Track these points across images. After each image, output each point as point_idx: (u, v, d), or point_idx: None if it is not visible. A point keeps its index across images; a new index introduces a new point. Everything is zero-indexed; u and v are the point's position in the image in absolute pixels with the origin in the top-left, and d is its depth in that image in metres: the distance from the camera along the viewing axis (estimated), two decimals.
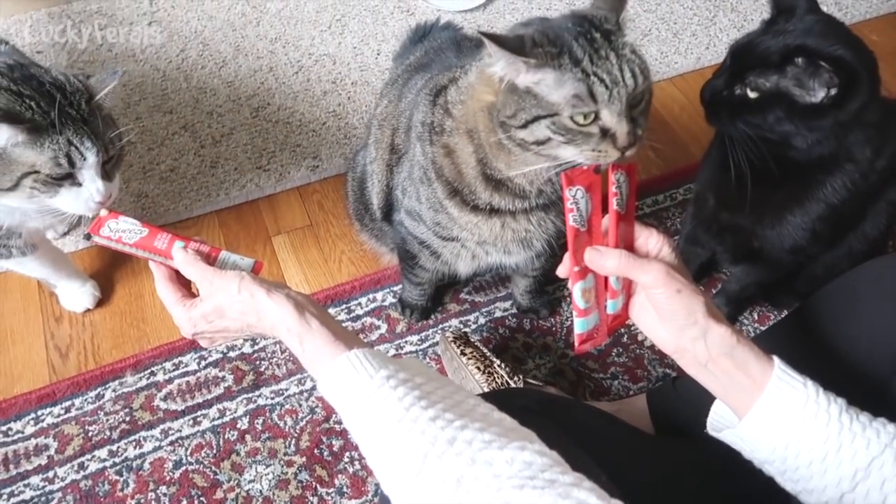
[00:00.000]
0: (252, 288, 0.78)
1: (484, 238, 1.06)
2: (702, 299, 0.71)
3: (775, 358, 0.70)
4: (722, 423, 0.77)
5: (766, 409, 0.68)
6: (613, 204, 0.74)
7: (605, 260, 0.73)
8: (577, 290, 0.75)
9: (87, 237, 0.89)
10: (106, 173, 1.01)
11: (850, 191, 1.03)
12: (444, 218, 1.05)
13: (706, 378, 0.73)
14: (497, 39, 0.81)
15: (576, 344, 0.77)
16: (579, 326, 0.76)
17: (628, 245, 0.76)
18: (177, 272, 0.85)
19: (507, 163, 0.94)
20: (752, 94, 1.00)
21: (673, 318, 0.71)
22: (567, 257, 0.74)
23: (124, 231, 0.86)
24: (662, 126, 1.76)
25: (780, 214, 1.09)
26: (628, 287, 0.77)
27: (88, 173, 0.98)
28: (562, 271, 0.76)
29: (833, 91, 0.94)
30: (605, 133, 0.81)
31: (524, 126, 0.85)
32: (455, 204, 1.03)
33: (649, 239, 0.76)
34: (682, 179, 1.63)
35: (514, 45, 0.81)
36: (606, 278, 0.76)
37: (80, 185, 0.99)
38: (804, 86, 0.96)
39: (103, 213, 0.89)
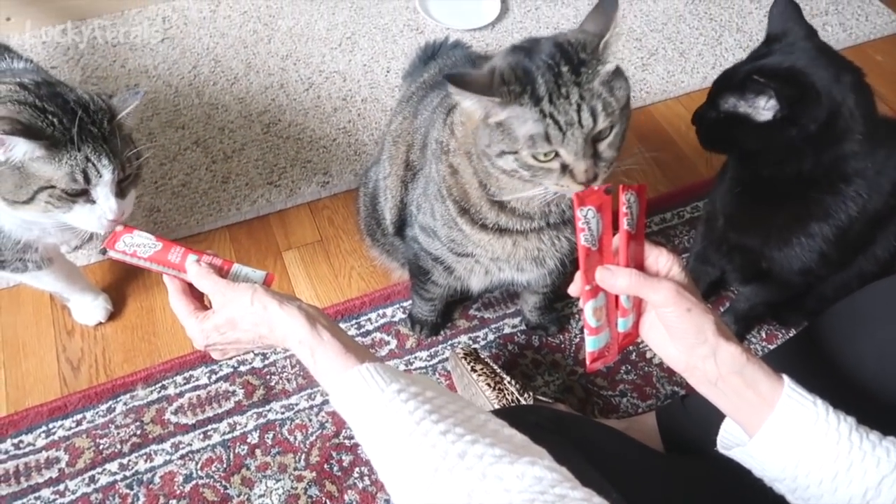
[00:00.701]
0: (264, 299, 0.79)
1: (497, 255, 1.07)
2: (711, 318, 0.72)
3: (785, 376, 0.71)
4: (732, 441, 0.77)
5: (775, 427, 0.69)
6: (624, 223, 0.75)
7: (616, 279, 0.74)
8: (588, 308, 0.76)
9: (103, 252, 0.90)
10: (121, 191, 1.02)
11: (851, 210, 1.04)
12: (458, 235, 1.06)
13: (716, 396, 0.73)
14: (461, 82, 0.83)
15: (587, 362, 0.77)
16: (590, 345, 0.77)
17: (638, 264, 0.77)
18: (190, 285, 0.86)
19: (498, 187, 0.96)
20: (720, 116, 1.07)
21: (683, 337, 0.72)
22: (578, 276, 0.75)
23: (139, 245, 0.88)
24: (669, 144, 1.78)
25: (785, 236, 1.11)
26: (639, 306, 0.78)
27: (103, 191, 0.99)
28: (573, 290, 0.77)
29: (778, 106, 0.98)
30: (565, 168, 0.85)
31: (499, 156, 0.88)
32: (466, 222, 1.04)
33: (659, 258, 0.77)
34: (690, 197, 1.64)
35: (479, 85, 0.83)
36: (617, 297, 0.77)
37: (93, 202, 0.99)
38: (755, 105, 1.01)
39: (118, 227, 0.91)
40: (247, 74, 1.87)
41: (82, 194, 0.98)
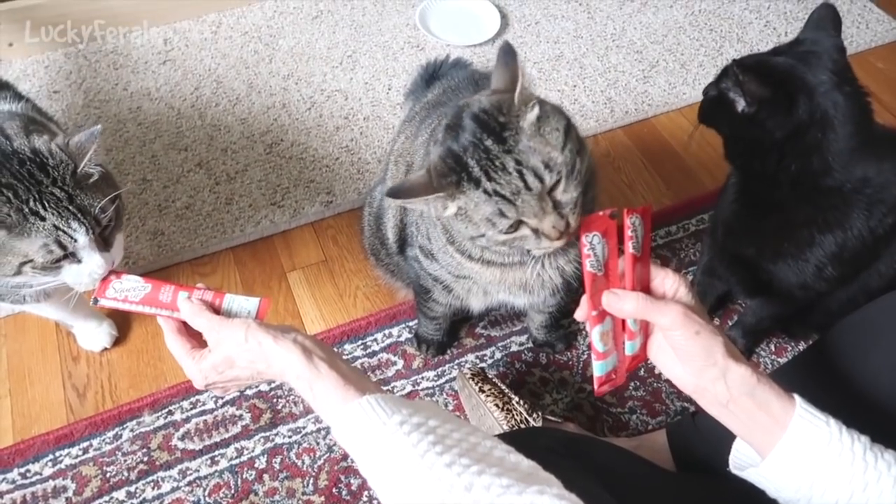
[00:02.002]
0: (258, 336, 0.78)
1: (488, 281, 1.07)
2: (721, 339, 0.71)
3: (796, 396, 0.70)
4: (745, 462, 0.76)
5: (788, 448, 0.68)
6: (629, 247, 0.74)
7: (623, 303, 0.73)
8: (595, 333, 0.75)
9: (95, 301, 0.89)
10: (104, 241, 0.96)
11: (833, 224, 1.04)
12: (452, 260, 1.07)
13: (727, 417, 0.73)
14: (403, 192, 0.84)
15: (595, 386, 0.77)
16: (598, 369, 0.76)
17: (645, 286, 0.76)
18: (185, 323, 0.86)
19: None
20: (715, 93, 1.11)
21: (692, 359, 0.72)
22: (584, 301, 0.75)
23: (129, 290, 0.87)
24: (672, 156, 1.77)
25: (777, 245, 1.11)
26: (646, 328, 0.78)
27: (84, 251, 0.93)
28: (580, 315, 0.76)
29: (748, 100, 1.02)
30: (537, 231, 0.84)
31: (472, 240, 0.89)
32: (455, 251, 1.04)
33: (665, 280, 0.76)
34: (694, 210, 1.63)
35: (422, 188, 0.83)
36: (624, 320, 0.76)
37: (80, 261, 0.94)
38: (739, 93, 1.04)
39: (111, 276, 0.90)
40: (249, 95, 1.88)
41: (66, 257, 0.93)
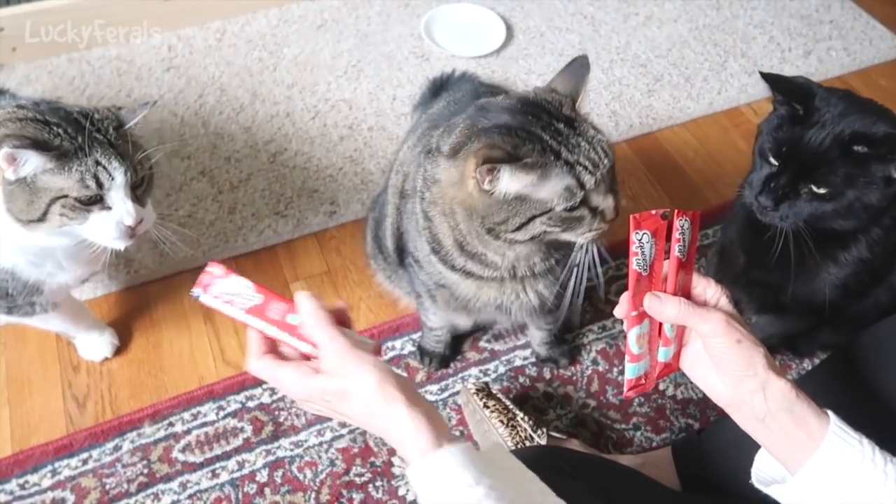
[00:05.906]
0: (392, 395, 0.68)
1: (464, 293, 1.09)
2: (762, 351, 0.70)
3: (830, 414, 0.69)
4: (769, 478, 0.75)
5: (820, 466, 0.67)
6: (675, 250, 0.73)
7: (665, 307, 0.72)
8: (632, 335, 0.73)
9: (196, 296, 0.75)
10: (137, 198, 1.02)
11: (879, 244, 1.05)
12: (434, 269, 1.08)
13: (762, 433, 0.71)
14: (500, 160, 0.83)
15: (624, 389, 0.76)
16: (630, 372, 0.75)
17: (685, 293, 0.74)
18: (273, 342, 0.75)
19: (495, 251, 0.99)
20: (821, 190, 1.00)
21: (732, 369, 0.70)
22: (625, 300, 0.73)
23: (236, 294, 0.75)
24: (676, 171, 1.77)
25: (814, 273, 1.10)
26: (681, 336, 0.76)
27: (117, 195, 0.99)
28: (619, 312, 0.74)
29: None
30: (595, 212, 0.89)
31: (518, 229, 0.89)
32: (437, 260, 1.05)
33: (707, 289, 0.74)
34: (698, 224, 1.62)
35: (509, 156, 0.84)
36: (661, 325, 0.75)
37: (109, 208, 0.99)
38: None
39: (218, 270, 0.76)
40: (252, 103, 1.87)
41: (97, 202, 0.98)
